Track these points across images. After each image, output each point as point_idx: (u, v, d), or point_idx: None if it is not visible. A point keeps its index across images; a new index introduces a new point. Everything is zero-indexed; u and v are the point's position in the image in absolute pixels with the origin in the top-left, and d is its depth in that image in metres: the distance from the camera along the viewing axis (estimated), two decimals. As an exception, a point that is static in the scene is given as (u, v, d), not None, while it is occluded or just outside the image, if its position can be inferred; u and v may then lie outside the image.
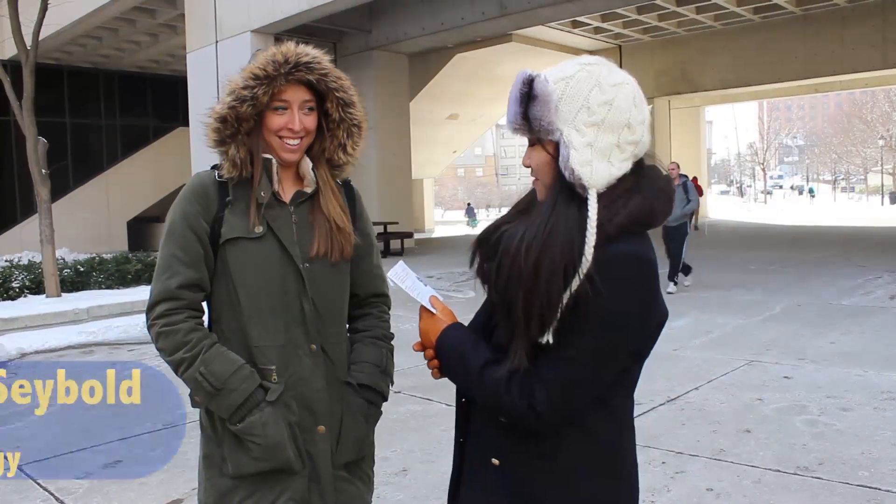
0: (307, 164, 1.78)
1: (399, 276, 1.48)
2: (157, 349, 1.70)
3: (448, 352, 1.38)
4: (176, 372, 1.69)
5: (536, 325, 1.23)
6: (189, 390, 1.71)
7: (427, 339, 1.43)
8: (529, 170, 1.35)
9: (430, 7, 16.73)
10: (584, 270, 1.20)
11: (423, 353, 1.45)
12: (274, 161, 1.73)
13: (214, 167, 1.78)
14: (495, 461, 1.35)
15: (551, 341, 1.23)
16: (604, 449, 1.33)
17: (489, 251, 1.35)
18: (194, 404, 1.73)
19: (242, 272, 1.70)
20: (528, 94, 1.26)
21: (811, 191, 62.86)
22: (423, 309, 1.46)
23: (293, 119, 1.69)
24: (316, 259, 1.74)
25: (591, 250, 1.21)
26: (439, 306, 1.45)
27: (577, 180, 1.24)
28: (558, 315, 1.22)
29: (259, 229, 1.70)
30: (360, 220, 1.88)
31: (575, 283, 1.21)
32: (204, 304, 1.78)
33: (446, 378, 1.43)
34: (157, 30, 20.38)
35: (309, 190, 1.78)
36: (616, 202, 1.25)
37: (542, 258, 1.22)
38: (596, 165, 1.24)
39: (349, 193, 1.88)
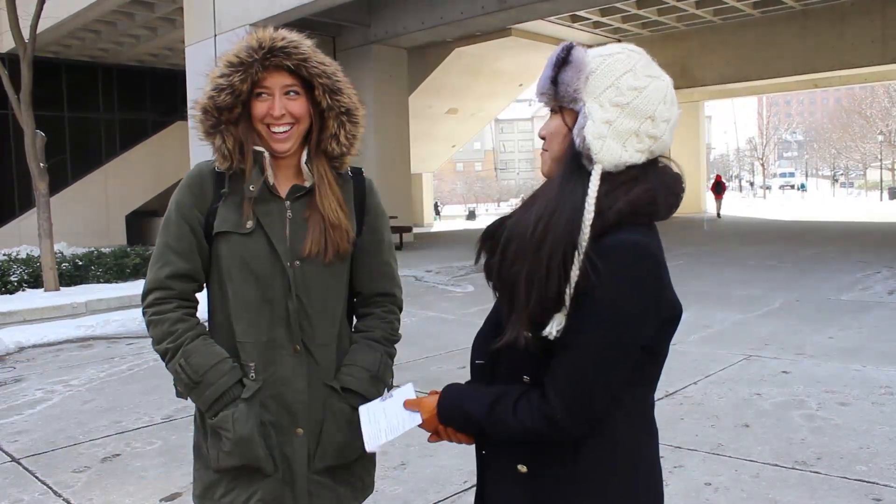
0: (303, 157, 1.72)
1: (367, 418, 1.49)
2: (150, 337, 1.71)
3: (452, 419, 1.37)
4: (162, 360, 1.69)
5: (536, 302, 1.22)
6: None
7: (431, 423, 1.41)
8: (542, 142, 1.34)
9: (430, 1, 16.71)
10: (582, 252, 1.19)
11: (444, 440, 1.42)
12: (266, 154, 1.68)
13: None
14: (522, 468, 1.32)
15: (554, 334, 1.21)
16: (621, 449, 1.30)
17: (494, 246, 1.33)
18: (178, 394, 1.73)
19: (230, 267, 1.67)
20: (564, 60, 1.26)
21: (802, 186, 63.63)
22: (408, 403, 1.46)
23: (274, 104, 1.64)
24: (308, 258, 1.68)
25: (588, 229, 1.20)
26: (414, 402, 1.45)
27: (585, 150, 1.24)
28: (565, 304, 1.20)
29: (249, 224, 1.67)
30: (370, 214, 1.80)
31: (575, 271, 1.19)
32: (202, 295, 1.76)
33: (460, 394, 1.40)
34: (155, 23, 20.35)
35: (307, 184, 1.71)
36: (618, 189, 1.24)
37: (548, 233, 1.22)
38: (608, 143, 1.24)
39: (359, 185, 1.80)
